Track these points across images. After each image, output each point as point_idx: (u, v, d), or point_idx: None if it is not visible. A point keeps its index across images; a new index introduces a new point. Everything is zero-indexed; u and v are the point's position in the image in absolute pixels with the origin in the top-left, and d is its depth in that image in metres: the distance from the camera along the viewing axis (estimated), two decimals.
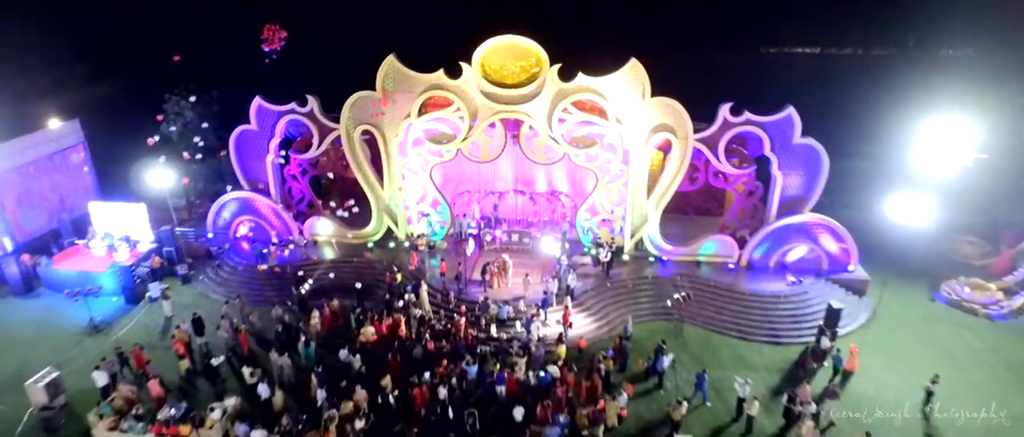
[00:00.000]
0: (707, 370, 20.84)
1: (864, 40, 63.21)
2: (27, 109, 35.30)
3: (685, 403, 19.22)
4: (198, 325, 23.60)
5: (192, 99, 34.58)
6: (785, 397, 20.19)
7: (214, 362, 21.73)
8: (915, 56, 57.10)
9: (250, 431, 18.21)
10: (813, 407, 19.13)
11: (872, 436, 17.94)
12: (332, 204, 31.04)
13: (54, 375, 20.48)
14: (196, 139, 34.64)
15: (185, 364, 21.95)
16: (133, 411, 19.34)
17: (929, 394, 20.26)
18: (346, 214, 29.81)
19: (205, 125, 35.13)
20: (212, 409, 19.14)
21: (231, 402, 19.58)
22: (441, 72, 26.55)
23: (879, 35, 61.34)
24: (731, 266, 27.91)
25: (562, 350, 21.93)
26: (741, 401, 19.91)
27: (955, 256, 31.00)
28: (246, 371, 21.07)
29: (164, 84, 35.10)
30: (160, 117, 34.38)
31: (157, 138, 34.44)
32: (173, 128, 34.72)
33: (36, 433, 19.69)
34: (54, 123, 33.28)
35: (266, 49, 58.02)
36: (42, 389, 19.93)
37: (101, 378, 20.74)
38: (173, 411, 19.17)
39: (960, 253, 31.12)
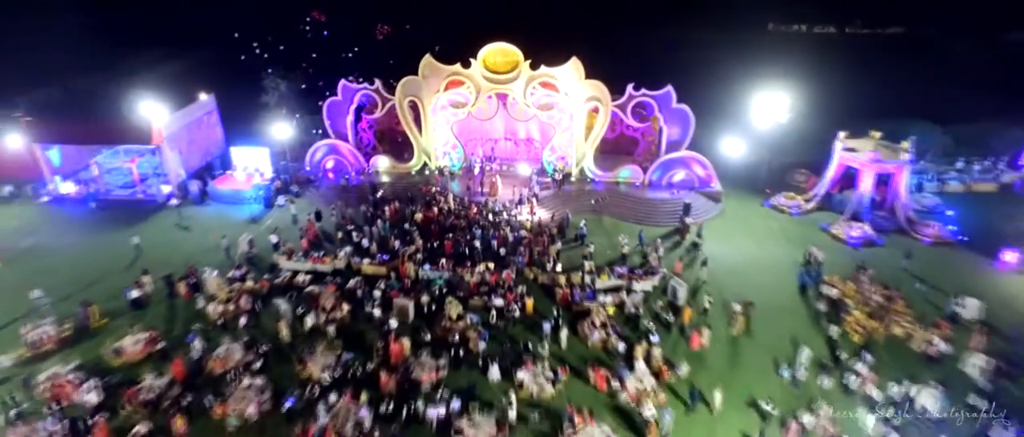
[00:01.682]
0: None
1: (729, 26, 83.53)
2: (188, 88, 50.81)
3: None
4: (318, 216, 39.47)
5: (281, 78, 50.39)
6: (652, 247, 36.14)
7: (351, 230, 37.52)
8: (768, 37, 77.74)
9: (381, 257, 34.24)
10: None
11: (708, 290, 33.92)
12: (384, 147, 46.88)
13: (249, 238, 36.45)
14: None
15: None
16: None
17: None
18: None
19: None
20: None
21: (411, 248, 34.75)
22: (458, 64, 42.05)
23: (740, 19, 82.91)
24: (636, 184, 43.76)
25: (528, 223, 37.89)
26: (623, 249, 35.73)
27: (789, 181, 46.71)
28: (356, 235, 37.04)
29: (264, 66, 50.88)
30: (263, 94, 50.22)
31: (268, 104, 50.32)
32: (270, 98, 50.42)
33: (243, 260, 35.33)
34: (202, 96, 48.89)
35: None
36: (246, 243, 35.93)
37: (274, 238, 36.58)
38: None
39: (793, 179, 46.84)
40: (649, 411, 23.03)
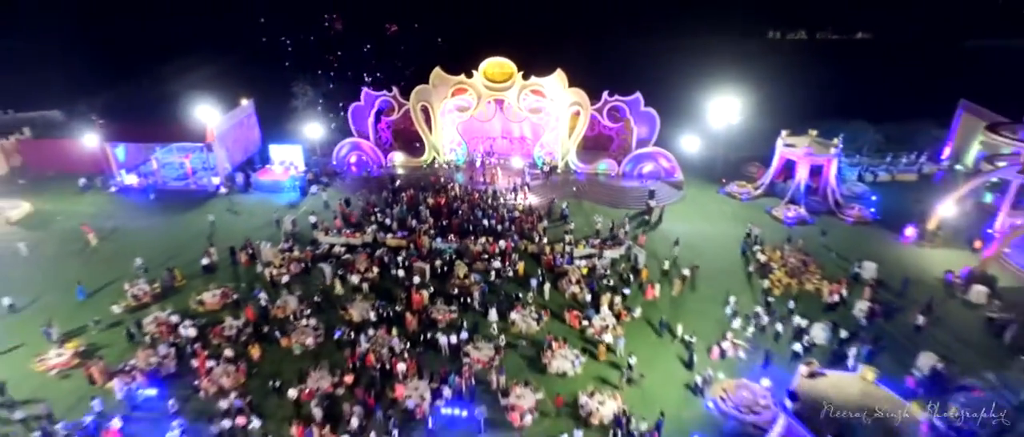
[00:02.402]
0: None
1: (697, 32, 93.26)
2: (231, 95, 58.37)
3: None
4: (347, 202, 47.02)
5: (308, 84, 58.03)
6: (623, 229, 43.73)
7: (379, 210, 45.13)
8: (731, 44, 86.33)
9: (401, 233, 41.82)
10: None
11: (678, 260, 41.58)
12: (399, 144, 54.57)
13: (292, 217, 44.02)
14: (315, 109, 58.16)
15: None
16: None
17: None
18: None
19: (319, 101, 58.57)
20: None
21: (425, 225, 42.43)
22: (463, 75, 49.63)
23: (699, 26, 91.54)
24: (611, 175, 51.34)
25: (520, 206, 45.51)
26: (597, 227, 43.29)
27: (743, 172, 54.23)
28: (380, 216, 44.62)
29: (292, 70, 58.54)
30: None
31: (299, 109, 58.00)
32: (299, 102, 58.01)
33: (289, 236, 42.85)
34: (243, 101, 56.48)
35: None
36: (289, 221, 43.50)
37: (313, 218, 44.13)
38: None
39: (746, 170, 54.38)
40: (608, 339, 30.65)
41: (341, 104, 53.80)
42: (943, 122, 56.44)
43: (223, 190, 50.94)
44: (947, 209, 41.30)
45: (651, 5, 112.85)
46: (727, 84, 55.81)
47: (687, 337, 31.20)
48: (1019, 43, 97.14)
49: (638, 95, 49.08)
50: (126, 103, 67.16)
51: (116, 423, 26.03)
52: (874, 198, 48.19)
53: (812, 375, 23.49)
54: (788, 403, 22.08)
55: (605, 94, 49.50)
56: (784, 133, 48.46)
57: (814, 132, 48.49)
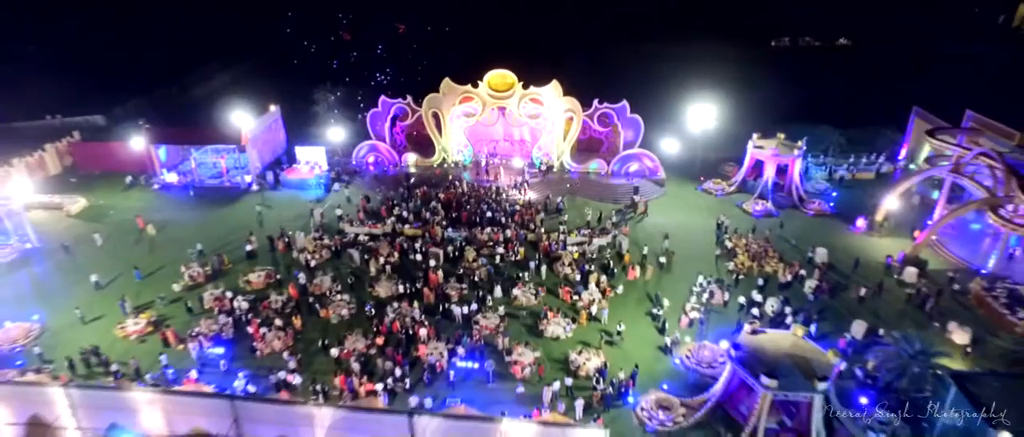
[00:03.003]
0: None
1: (682, 43, 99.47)
2: (261, 102, 64.11)
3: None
4: (367, 199, 52.74)
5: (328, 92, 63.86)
6: (611, 221, 49.55)
7: (395, 204, 51.02)
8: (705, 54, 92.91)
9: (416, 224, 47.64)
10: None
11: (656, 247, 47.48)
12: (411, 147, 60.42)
13: (321, 210, 49.79)
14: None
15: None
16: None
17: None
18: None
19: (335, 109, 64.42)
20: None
21: (438, 217, 48.47)
22: (470, 85, 55.46)
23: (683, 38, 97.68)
24: (602, 173, 57.16)
25: (521, 201, 51.32)
26: (587, 219, 49.06)
27: (720, 171, 60.01)
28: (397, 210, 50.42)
29: (314, 82, 64.40)
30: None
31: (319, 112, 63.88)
32: (320, 107, 63.83)
33: (318, 226, 48.58)
34: (272, 108, 62.27)
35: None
36: (318, 214, 49.28)
37: (339, 211, 49.89)
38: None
39: (723, 169, 60.16)
40: (594, 309, 36.49)
41: (361, 101, 59.79)
42: (900, 126, 62.25)
43: (255, 187, 56.65)
44: (891, 203, 47.13)
45: (640, 19, 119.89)
46: (706, 91, 61.70)
47: (655, 310, 37.00)
48: (977, 51, 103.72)
49: (625, 103, 54.94)
50: (162, 108, 72.97)
51: (193, 374, 31.84)
52: (834, 194, 54.00)
53: (754, 332, 29.27)
54: (732, 352, 27.87)
55: (595, 102, 55.40)
56: (755, 136, 54.21)
57: (782, 135, 54.26)
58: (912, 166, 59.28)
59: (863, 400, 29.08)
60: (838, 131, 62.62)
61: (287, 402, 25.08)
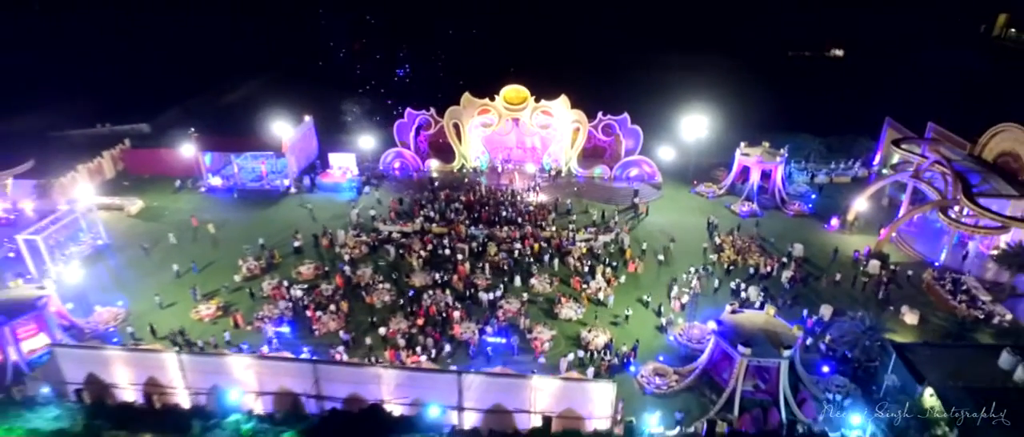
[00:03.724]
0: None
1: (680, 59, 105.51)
2: (296, 114, 69.90)
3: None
4: (401, 201, 58.57)
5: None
6: (614, 220, 55.45)
7: (423, 203, 56.91)
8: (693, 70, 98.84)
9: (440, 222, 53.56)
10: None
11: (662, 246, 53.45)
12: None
13: (356, 210, 55.62)
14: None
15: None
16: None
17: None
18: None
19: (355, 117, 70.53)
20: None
21: (461, 217, 54.49)
22: (487, 98, 61.42)
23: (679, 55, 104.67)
24: (605, 178, 63.09)
25: (533, 202, 57.24)
26: (593, 217, 54.91)
27: (711, 175, 65.90)
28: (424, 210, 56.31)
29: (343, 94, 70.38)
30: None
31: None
32: (349, 117, 69.81)
33: (354, 225, 54.40)
34: (306, 118, 68.18)
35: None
36: (354, 214, 55.11)
37: (372, 212, 55.72)
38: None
39: (714, 174, 66.08)
40: (600, 295, 42.42)
41: (394, 105, 65.92)
42: (875, 135, 68.18)
43: (293, 190, 62.50)
44: (860, 204, 53.07)
45: (642, 35, 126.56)
46: (699, 102, 67.63)
47: (645, 297, 42.85)
48: (956, 61, 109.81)
49: (626, 115, 60.92)
50: (200, 116, 78.77)
51: (265, 349, 37.71)
52: (813, 196, 59.94)
53: (733, 312, 35.18)
54: (714, 327, 33.78)
55: (599, 114, 61.38)
56: (742, 144, 60.11)
57: (767, 143, 60.15)
58: (885, 171, 65.25)
59: (825, 369, 34.99)
60: (818, 139, 68.51)
61: (359, 364, 30.96)
